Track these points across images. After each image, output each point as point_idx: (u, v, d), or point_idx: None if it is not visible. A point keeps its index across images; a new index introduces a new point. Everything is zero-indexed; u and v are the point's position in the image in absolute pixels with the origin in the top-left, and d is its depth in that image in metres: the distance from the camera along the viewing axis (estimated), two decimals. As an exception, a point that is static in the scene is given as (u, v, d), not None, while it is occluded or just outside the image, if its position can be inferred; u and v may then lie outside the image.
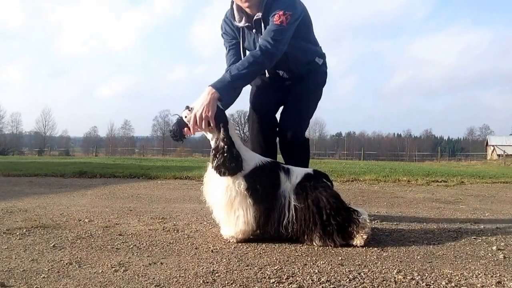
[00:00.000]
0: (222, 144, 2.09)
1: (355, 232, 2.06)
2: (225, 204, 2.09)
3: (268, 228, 2.11)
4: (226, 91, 2.19)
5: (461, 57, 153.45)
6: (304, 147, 2.78)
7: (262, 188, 2.07)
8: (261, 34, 2.42)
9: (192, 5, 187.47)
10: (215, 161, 2.09)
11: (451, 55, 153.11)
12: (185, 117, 2.16)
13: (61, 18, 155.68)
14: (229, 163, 2.05)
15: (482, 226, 2.67)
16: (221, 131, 2.11)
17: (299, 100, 2.71)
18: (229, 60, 2.60)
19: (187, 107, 2.16)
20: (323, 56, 2.80)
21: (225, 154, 2.05)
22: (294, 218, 2.06)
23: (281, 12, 2.32)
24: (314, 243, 2.07)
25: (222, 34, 2.67)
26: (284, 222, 2.06)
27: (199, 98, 2.14)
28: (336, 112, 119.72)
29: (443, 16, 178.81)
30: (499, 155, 41.56)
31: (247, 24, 2.50)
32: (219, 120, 2.12)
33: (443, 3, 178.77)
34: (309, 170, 2.18)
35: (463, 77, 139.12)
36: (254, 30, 2.51)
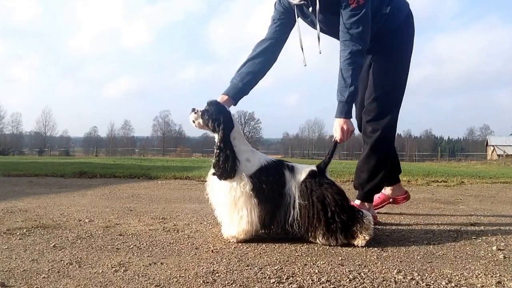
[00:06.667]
0: (216, 147, 2.15)
1: (358, 232, 2.06)
2: (229, 204, 2.10)
3: (273, 228, 2.12)
4: (351, 111, 2.32)
5: (482, 55, 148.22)
6: (377, 147, 2.61)
7: (267, 188, 2.08)
8: (318, 12, 2.36)
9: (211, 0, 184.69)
10: (214, 165, 2.15)
11: (471, 53, 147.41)
12: (193, 121, 2.21)
13: (72, 15, 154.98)
14: (219, 169, 2.10)
15: (482, 226, 2.67)
16: (219, 134, 2.14)
17: (372, 81, 2.57)
18: (270, 32, 2.52)
19: (193, 110, 2.22)
20: None
21: (217, 159, 2.12)
22: (298, 215, 2.06)
23: None
24: (317, 241, 2.08)
25: (275, 4, 2.56)
26: (290, 220, 2.07)
27: (337, 129, 2.28)
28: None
29: (471, 14, 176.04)
30: (499, 155, 41.55)
31: (302, 2, 2.41)
32: (220, 122, 2.14)
33: (473, 2, 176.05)
34: (312, 167, 2.18)
35: (479, 76, 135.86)
36: (310, 8, 2.41)
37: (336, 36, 2.50)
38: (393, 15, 2.51)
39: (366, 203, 2.70)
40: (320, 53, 2.46)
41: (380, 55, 2.58)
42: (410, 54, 2.64)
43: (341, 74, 2.30)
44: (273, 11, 2.58)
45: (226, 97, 2.39)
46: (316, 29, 2.47)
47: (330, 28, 2.54)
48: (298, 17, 2.48)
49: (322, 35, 2.52)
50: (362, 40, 2.30)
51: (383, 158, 2.66)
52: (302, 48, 2.52)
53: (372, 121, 2.61)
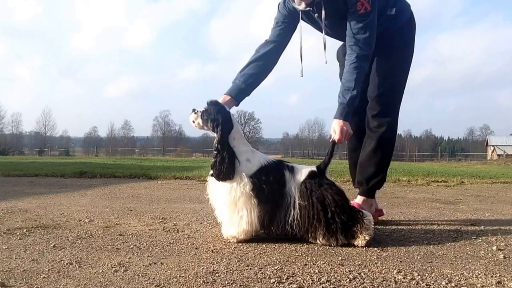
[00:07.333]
0: (214, 148, 2.16)
1: (358, 233, 2.06)
2: (229, 204, 2.10)
3: (273, 228, 2.12)
4: (351, 114, 2.34)
5: (484, 55, 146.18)
6: (384, 141, 2.63)
7: (267, 188, 2.09)
8: (324, 18, 2.39)
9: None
10: (212, 166, 2.15)
11: (473, 53, 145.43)
12: (193, 121, 2.22)
13: (72, 14, 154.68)
14: (216, 170, 2.11)
15: (482, 226, 2.67)
16: (217, 135, 2.14)
17: (375, 80, 2.59)
18: (273, 35, 2.55)
19: (193, 110, 2.23)
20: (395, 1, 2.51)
21: (214, 160, 2.13)
22: (298, 216, 2.06)
23: None
24: (318, 241, 2.08)
25: (279, 6, 2.57)
26: (290, 220, 2.07)
27: (335, 130, 2.28)
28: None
29: (473, 14, 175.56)
30: (499, 155, 41.59)
31: (308, 8, 2.44)
32: (219, 123, 2.14)
33: (475, 1, 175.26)
34: (312, 167, 2.19)
35: (481, 76, 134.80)
36: (316, 15, 2.45)
37: (342, 39, 2.52)
38: (397, 17, 2.56)
39: (369, 200, 2.70)
40: (326, 62, 2.53)
41: (383, 54, 2.60)
42: (411, 54, 2.69)
43: (345, 76, 2.34)
44: (276, 13, 2.59)
45: (228, 97, 2.40)
46: (322, 32, 2.49)
47: (335, 32, 2.57)
48: (301, 27, 2.51)
49: (327, 40, 2.55)
50: (368, 45, 2.34)
51: (388, 154, 2.72)
52: (301, 59, 2.56)
53: (377, 117, 2.63)
